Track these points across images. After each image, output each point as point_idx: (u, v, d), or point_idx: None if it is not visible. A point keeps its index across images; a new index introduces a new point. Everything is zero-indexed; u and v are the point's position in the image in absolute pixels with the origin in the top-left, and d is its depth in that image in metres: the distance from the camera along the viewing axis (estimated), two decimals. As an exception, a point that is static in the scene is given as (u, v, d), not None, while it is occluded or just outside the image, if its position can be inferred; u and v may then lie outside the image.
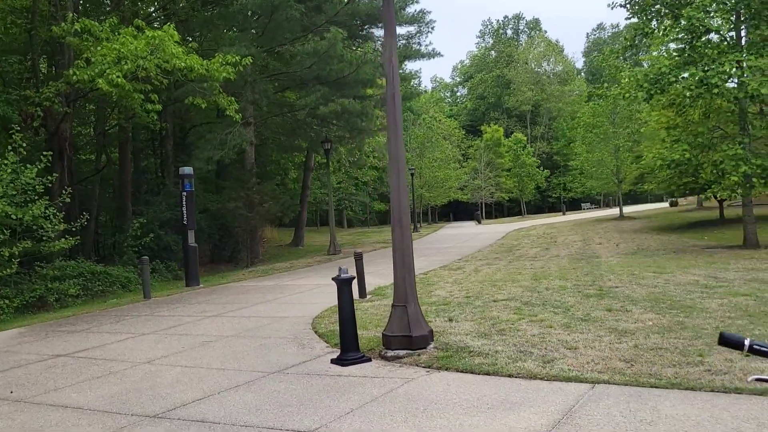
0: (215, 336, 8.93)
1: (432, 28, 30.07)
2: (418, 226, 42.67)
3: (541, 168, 65.75)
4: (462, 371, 5.93)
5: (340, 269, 6.76)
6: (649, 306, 8.57)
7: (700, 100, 16.52)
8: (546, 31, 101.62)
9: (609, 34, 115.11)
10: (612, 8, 18.16)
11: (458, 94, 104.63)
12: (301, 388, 5.88)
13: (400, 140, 6.94)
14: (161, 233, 21.42)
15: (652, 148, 17.19)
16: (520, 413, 4.62)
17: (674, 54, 16.28)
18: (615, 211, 48.88)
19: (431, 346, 6.82)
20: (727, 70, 14.61)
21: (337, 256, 23.35)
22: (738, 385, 4.78)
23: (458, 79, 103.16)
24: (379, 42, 29.68)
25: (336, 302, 11.31)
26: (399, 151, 6.92)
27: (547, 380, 5.39)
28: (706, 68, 15.04)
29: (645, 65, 33.99)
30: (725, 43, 15.90)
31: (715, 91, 15.14)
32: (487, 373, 5.75)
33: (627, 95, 16.05)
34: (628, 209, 50.25)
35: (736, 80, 15.36)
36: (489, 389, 5.29)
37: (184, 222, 15.93)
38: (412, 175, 41.21)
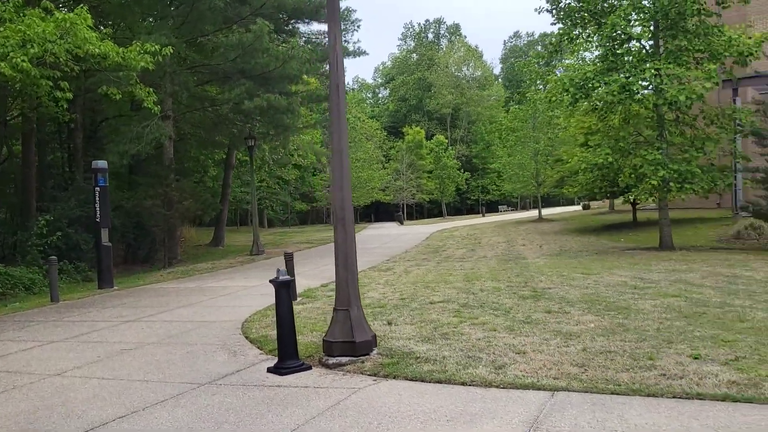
0: (135, 343, 8.20)
1: (358, 27, 30.04)
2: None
3: (462, 170, 66.76)
4: (411, 379, 5.58)
5: (278, 271, 6.27)
6: (586, 307, 8.56)
7: (620, 106, 17.03)
8: (466, 36, 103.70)
9: (525, 41, 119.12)
10: (539, 13, 18.43)
11: (380, 95, 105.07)
12: (237, 401, 5.37)
13: (344, 132, 6.54)
14: (70, 231, 19.97)
15: (576, 152, 17.58)
16: (483, 426, 4.33)
17: (597, 61, 16.69)
18: (532, 213, 50.23)
19: (375, 352, 6.45)
20: (647, 77, 15.08)
21: (261, 256, 22.61)
22: (699, 390, 4.68)
23: (380, 81, 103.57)
24: (303, 39, 29.13)
25: (266, 305, 10.80)
26: (342, 143, 6.52)
27: (503, 388, 5.13)
28: (627, 75, 15.49)
29: (559, 73, 35.07)
30: (644, 51, 16.44)
31: (637, 97, 15.63)
32: (439, 381, 5.44)
33: (554, 98, 16.30)
34: (545, 211, 51.79)
35: (653, 87, 15.91)
36: (444, 399, 4.97)
37: (97, 219, 14.85)
38: (335, 174, 40.68)
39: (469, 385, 5.26)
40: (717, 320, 7.34)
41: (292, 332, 6.21)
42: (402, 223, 49.30)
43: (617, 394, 4.76)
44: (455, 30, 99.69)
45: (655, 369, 5.34)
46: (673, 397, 4.60)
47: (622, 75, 15.41)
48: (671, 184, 15.20)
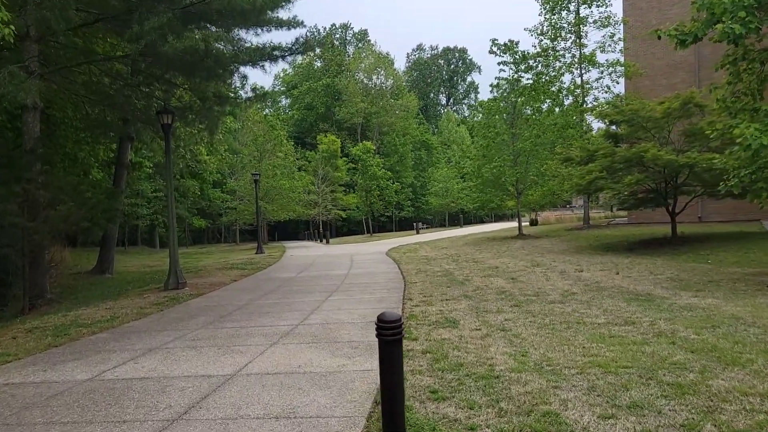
0: None
1: None
2: (263, 245, 34.29)
3: (392, 181, 58.97)
4: None
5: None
6: None
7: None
8: (375, 43, 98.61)
9: (429, 54, 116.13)
10: None
11: (280, 104, 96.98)
12: None
13: None
14: None
15: (739, 127, 11.45)
16: None
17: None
18: (470, 229, 44.62)
19: None
20: None
21: (183, 291, 14.63)
22: None
23: (281, 89, 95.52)
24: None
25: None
26: None
27: None
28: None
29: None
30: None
31: None
32: None
33: (701, 32, 9.97)
34: (467, 230, 46.25)
35: None
36: None
37: None
38: (256, 182, 32.77)
39: None
40: None
41: None
42: (328, 242, 41.90)
43: None
44: (363, 36, 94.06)
45: None
46: None
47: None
48: None
